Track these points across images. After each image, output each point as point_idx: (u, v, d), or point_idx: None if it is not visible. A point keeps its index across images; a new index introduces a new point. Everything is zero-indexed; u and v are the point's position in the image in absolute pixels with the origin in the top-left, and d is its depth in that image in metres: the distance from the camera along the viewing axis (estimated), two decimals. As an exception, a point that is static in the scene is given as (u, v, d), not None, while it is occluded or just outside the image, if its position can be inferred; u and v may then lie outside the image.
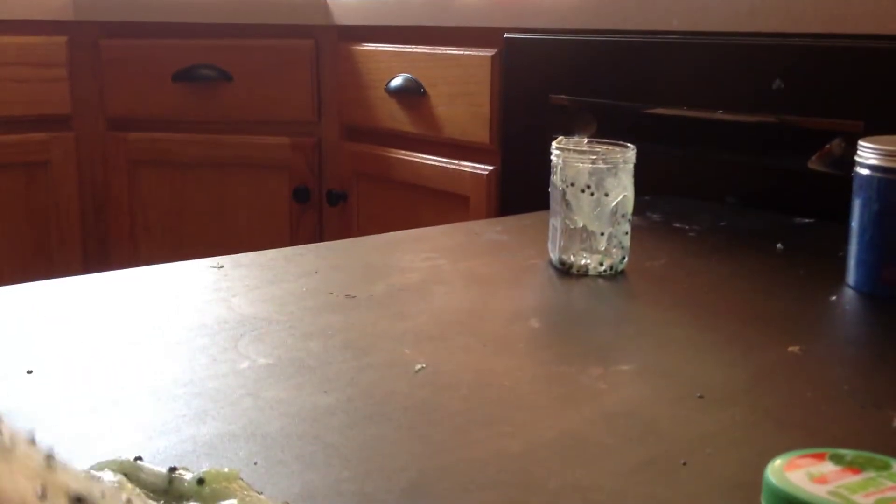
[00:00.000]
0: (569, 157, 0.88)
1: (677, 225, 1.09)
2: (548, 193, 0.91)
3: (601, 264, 0.89)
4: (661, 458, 0.52)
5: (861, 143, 0.84)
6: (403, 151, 1.82)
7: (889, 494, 0.37)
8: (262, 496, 0.42)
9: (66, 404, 0.58)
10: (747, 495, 0.47)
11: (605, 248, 0.89)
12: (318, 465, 0.50)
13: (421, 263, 0.93)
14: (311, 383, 0.62)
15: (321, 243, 1.02)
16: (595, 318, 0.81)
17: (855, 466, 0.39)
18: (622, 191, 0.88)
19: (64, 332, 0.71)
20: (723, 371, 0.66)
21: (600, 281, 0.88)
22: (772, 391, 0.62)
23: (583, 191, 0.87)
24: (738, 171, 1.28)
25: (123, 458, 0.43)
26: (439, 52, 1.72)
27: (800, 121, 1.20)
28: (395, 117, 1.82)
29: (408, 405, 0.59)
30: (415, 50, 1.77)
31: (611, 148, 0.90)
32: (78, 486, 0.32)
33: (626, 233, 0.89)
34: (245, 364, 0.65)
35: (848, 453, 0.40)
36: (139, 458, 0.44)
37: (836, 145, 1.16)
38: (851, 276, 0.85)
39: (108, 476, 0.40)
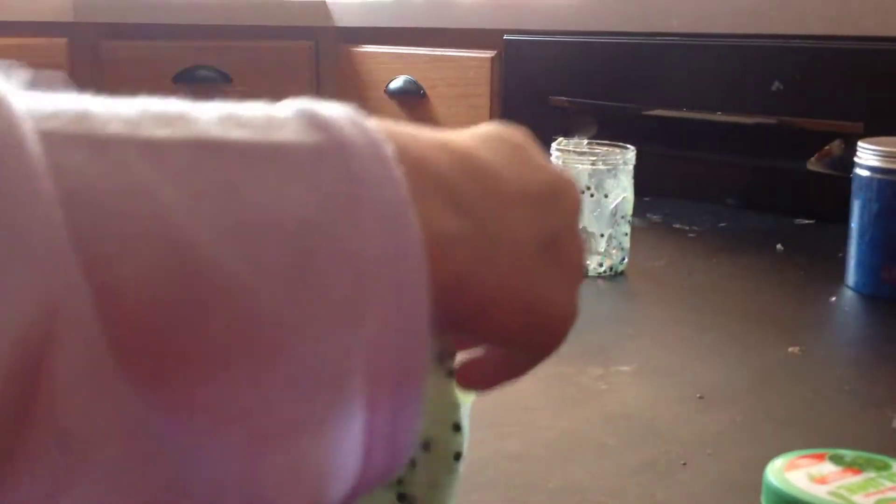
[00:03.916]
0: (568, 158, 0.88)
1: (677, 226, 1.09)
2: (548, 194, 0.91)
3: (601, 265, 0.89)
4: (661, 458, 0.52)
5: (861, 144, 0.84)
6: (403, 153, 1.82)
7: (889, 495, 0.37)
8: None
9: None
10: (747, 496, 0.47)
11: (605, 249, 0.89)
12: (318, 465, 0.50)
13: (421, 264, 0.93)
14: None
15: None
16: (595, 318, 0.81)
17: (855, 467, 0.39)
18: (622, 192, 0.88)
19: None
20: (723, 371, 0.66)
21: (600, 281, 0.88)
22: (772, 392, 0.62)
23: (582, 192, 0.87)
24: (737, 172, 1.28)
25: None
26: (439, 53, 1.72)
27: (799, 122, 1.20)
28: (396, 119, 1.81)
29: (408, 406, 0.59)
30: (415, 52, 1.77)
31: (610, 149, 0.90)
32: None
33: (626, 234, 0.89)
34: (245, 365, 0.65)
35: (848, 454, 0.40)
36: None
37: (835, 146, 1.16)
38: (851, 277, 0.85)
39: None
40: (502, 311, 0.31)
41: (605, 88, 1.43)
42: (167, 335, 0.21)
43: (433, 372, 0.36)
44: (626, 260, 0.90)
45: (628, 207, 0.89)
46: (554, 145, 0.90)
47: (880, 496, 0.37)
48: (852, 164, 0.85)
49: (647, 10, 1.37)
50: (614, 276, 0.89)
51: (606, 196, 0.87)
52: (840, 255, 0.88)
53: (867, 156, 0.83)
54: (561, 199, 0.34)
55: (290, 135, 0.25)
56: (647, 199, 1.14)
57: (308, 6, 1.96)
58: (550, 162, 0.35)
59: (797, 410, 0.59)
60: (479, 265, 0.29)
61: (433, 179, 0.29)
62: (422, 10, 1.74)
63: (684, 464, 0.51)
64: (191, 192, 0.22)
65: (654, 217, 1.13)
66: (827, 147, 1.16)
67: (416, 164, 0.28)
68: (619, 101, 1.41)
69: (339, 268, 0.24)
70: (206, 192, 0.22)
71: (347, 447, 0.25)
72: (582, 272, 0.35)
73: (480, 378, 0.36)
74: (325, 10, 1.95)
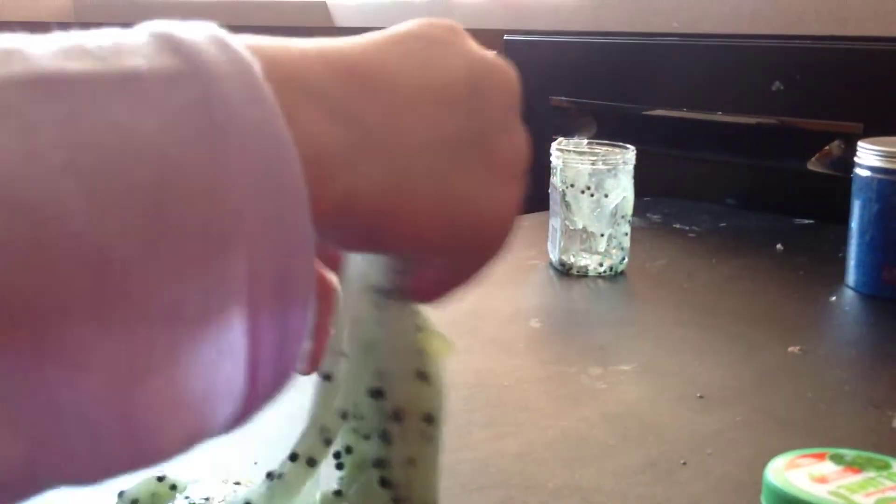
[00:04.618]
0: (569, 158, 0.88)
1: (677, 226, 1.09)
2: (548, 195, 0.91)
3: (601, 265, 0.89)
4: (661, 458, 0.52)
5: (861, 144, 0.84)
6: (403, 153, 1.82)
7: (889, 494, 0.37)
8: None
9: (67, 404, 0.58)
10: (747, 495, 0.47)
11: (605, 249, 0.89)
12: (319, 465, 0.50)
13: (421, 264, 0.93)
14: (310, 383, 0.62)
15: (321, 244, 1.02)
16: (595, 318, 0.81)
17: (855, 466, 0.39)
18: (622, 192, 0.88)
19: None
20: (723, 371, 0.66)
21: (600, 282, 0.88)
22: (772, 391, 0.62)
23: (583, 192, 0.87)
24: (737, 172, 1.28)
25: None
26: (439, 53, 1.72)
27: (799, 122, 1.20)
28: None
29: (408, 405, 0.58)
30: (415, 51, 1.77)
31: (610, 149, 0.90)
32: None
33: (626, 234, 0.89)
34: (245, 364, 0.65)
35: (848, 453, 0.40)
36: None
37: (835, 147, 1.16)
38: (851, 277, 0.85)
39: None
40: (405, 222, 0.29)
41: (605, 88, 1.43)
42: (4, 285, 0.20)
43: (390, 312, 0.35)
44: (626, 260, 0.90)
45: (628, 207, 0.89)
46: (554, 145, 0.90)
47: (880, 495, 0.37)
48: (852, 164, 0.85)
49: (647, 11, 1.37)
50: (614, 276, 0.89)
51: (606, 196, 0.87)
52: (840, 255, 0.88)
53: (867, 156, 0.83)
54: (486, 93, 0.32)
55: (141, 62, 0.23)
56: (647, 199, 1.14)
57: (308, 6, 1.96)
58: (479, 51, 0.33)
59: (797, 410, 0.59)
60: (370, 175, 0.27)
61: (307, 92, 0.27)
62: (422, 11, 1.74)
63: (684, 464, 0.51)
64: (22, 135, 0.21)
65: (654, 217, 1.13)
66: (827, 147, 1.16)
67: (287, 79, 0.26)
68: (620, 100, 1.41)
69: (200, 201, 0.22)
70: (41, 132, 0.21)
71: (230, 371, 0.24)
72: (519, 166, 0.32)
73: (428, 289, 0.34)
74: (325, 10, 1.95)
